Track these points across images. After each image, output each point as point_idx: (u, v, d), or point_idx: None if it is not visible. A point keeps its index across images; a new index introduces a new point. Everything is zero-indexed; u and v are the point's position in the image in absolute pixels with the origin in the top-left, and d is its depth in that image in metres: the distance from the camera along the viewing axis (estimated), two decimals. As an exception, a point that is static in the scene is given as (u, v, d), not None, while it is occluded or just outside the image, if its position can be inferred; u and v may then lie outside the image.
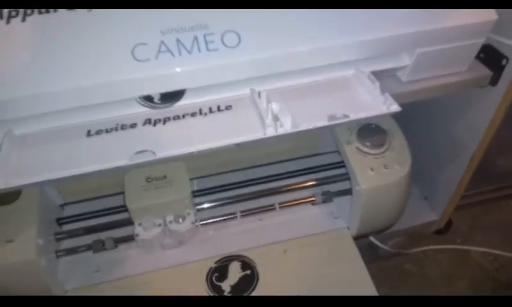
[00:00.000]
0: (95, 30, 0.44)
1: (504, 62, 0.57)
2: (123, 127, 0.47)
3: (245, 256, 0.63)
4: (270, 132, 0.45)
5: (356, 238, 0.66)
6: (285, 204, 0.68)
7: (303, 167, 0.74)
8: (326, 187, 0.70)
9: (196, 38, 0.44)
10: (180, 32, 0.44)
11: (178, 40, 0.44)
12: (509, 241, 0.94)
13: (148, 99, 0.48)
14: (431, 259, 0.91)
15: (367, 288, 0.60)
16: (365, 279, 0.61)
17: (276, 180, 0.72)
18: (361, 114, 0.47)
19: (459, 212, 0.86)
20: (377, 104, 0.48)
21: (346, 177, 0.64)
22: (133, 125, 0.47)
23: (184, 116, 0.48)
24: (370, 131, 0.61)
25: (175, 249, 0.65)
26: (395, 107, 0.46)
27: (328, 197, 0.69)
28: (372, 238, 0.75)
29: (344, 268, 0.62)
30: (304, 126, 0.45)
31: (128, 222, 0.63)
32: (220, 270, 0.62)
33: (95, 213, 0.68)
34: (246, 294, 0.59)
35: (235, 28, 0.45)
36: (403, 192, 0.62)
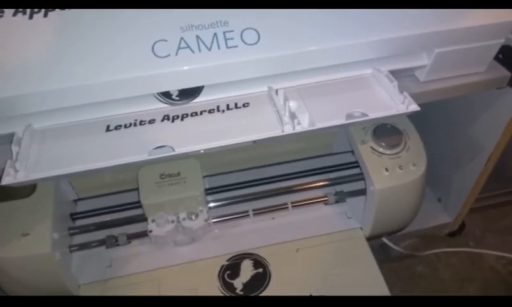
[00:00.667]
0: (117, 27, 0.44)
1: (522, 63, 0.56)
2: (141, 123, 0.47)
3: (257, 255, 0.63)
4: (287, 129, 0.44)
5: (369, 239, 0.66)
6: (298, 203, 0.68)
7: (317, 166, 0.74)
8: (339, 187, 0.70)
9: (215, 35, 0.45)
10: (199, 29, 0.44)
11: (197, 37, 0.44)
12: (522, 245, 0.93)
13: (167, 95, 0.48)
14: (444, 262, 0.90)
15: (379, 288, 0.60)
16: (378, 280, 0.60)
17: (289, 179, 0.72)
18: (380, 113, 0.46)
19: (473, 215, 0.85)
20: (395, 103, 0.48)
21: (360, 177, 0.64)
22: (151, 121, 0.47)
23: (201, 113, 0.48)
24: (385, 131, 0.61)
25: (188, 246, 0.65)
26: (414, 107, 0.46)
27: (341, 198, 0.69)
28: (384, 239, 0.74)
29: (357, 269, 0.62)
30: (321, 125, 0.45)
31: (142, 218, 0.64)
32: (232, 267, 0.62)
33: (108, 208, 0.68)
34: (257, 292, 0.59)
35: (254, 26, 0.45)
36: (418, 194, 0.61)
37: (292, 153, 0.76)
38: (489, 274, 0.88)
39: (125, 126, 0.47)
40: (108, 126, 0.47)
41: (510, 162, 0.78)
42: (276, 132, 0.45)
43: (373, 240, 0.70)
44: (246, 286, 0.60)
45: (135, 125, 0.47)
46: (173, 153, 0.42)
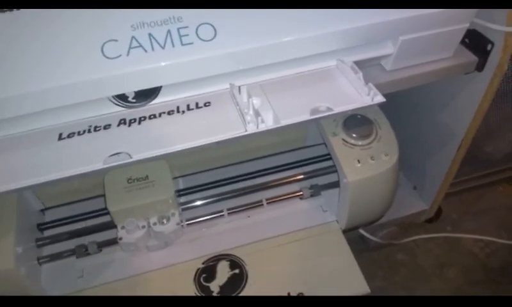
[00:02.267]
0: (62, 28, 0.41)
1: (489, 47, 0.56)
2: (96, 129, 0.45)
3: (233, 255, 0.62)
4: (251, 128, 0.43)
5: (346, 231, 0.65)
6: (273, 199, 0.67)
7: (290, 161, 0.73)
8: (314, 181, 0.69)
9: (169, 32, 0.42)
10: (152, 26, 0.42)
11: (150, 35, 0.42)
12: (499, 227, 0.94)
13: (122, 98, 0.46)
14: (422, 249, 0.90)
15: (357, 282, 0.59)
16: (356, 274, 0.60)
17: (263, 175, 0.71)
18: (345, 107, 0.45)
19: (449, 199, 0.85)
20: (361, 95, 0.47)
21: (334, 170, 0.63)
22: (107, 126, 0.45)
23: (160, 115, 0.46)
24: (356, 122, 0.60)
25: (161, 251, 0.63)
26: (379, 98, 0.45)
27: (315, 191, 0.68)
28: (362, 231, 0.74)
29: (334, 263, 0.61)
30: (286, 122, 0.43)
31: (112, 225, 0.62)
32: (208, 270, 0.61)
33: (77, 217, 0.66)
34: (235, 294, 0.58)
35: (210, 20, 0.43)
36: (391, 183, 0.61)
37: (266, 148, 0.75)
38: (468, 258, 0.89)
39: (79, 134, 0.44)
40: (60, 135, 0.44)
41: (483, 146, 0.79)
42: (239, 132, 0.43)
43: (350, 231, 0.69)
44: (222, 288, 0.59)
45: (89, 131, 0.44)
46: (130, 161, 0.40)
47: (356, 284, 0.59)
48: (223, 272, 0.60)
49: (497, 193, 0.99)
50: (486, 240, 0.90)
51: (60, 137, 0.44)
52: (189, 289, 0.58)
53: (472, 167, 0.83)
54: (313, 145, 0.75)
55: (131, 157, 0.41)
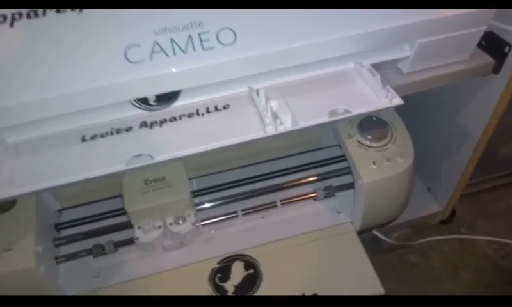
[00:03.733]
0: (86, 33, 0.42)
1: (506, 49, 0.55)
2: (118, 131, 0.45)
3: (248, 255, 0.62)
4: (270, 130, 0.43)
5: (360, 233, 0.65)
6: (287, 201, 0.67)
7: (305, 162, 0.73)
8: (328, 182, 0.69)
9: (190, 37, 0.43)
10: (173, 31, 0.43)
11: (172, 40, 0.43)
12: (512, 229, 0.93)
13: (144, 101, 0.47)
14: (436, 250, 0.90)
15: (372, 283, 0.59)
16: (370, 275, 0.60)
17: (277, 176, 0.71)
18: (363, 109, 0.45)
19: (463, 201, 0.85)
20: (379, 98, 0.47)
21: (348, 171, 0.63)
22: (129, 129, 0.46)
23: (180, 117, 0.47)
24: (371, 124, 0.60)
25: (177, 251, 0.64)
26: (397, 100, 0.45)
27: (330, 192, 0.68)
28: (375, 232, 0.74)
29: (349, 264, 0.61)
30: (304, 124, 0.44)
31: (128, 225, 0.62)
32: (223, 270, 0.61)
33: (93, 217, 0.67)
34: (249, 294, 0.58)
35: (230, 25, 0.44)
36: (406, 185, 0.61)
37: (280, 150, 0.75)
38: (482, 260, 0.89)
39: (101, 136, 0.45)
40: (83, 137, 0.45)
41: (499, 147, 0.78)
42: (258, 134, 0.43)
43: (364, 233, 0.69)
44: (237, 288, 0.59)
45: (111, 133, 0.45)
46: (152, 162, 0.41)
47: (370, 285, 0.59)
48: (238, 272, 0.60)
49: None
50: (501, 242, 0.89)
51: (83, 139, 0.45)
52: (204, 289, 0.59)
53: (486, 169, 0.82)
54: (328, 147, 0.75)
55: (153, 159, 0.41)
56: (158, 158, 0.41)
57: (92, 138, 0.45)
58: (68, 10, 0.41)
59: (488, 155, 0.72)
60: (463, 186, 0.76)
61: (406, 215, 0.74)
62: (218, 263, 0.62)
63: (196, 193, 0.68)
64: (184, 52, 0.42)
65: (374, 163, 0.57)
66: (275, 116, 0.45)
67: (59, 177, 0.42)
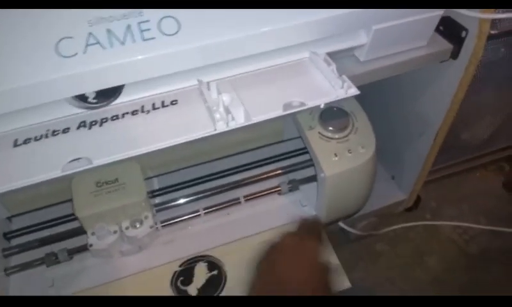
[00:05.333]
0: (11, 25, 0.38)
1: (463, 34, 0.55)
2: (54, 133, 0.42)
3: (211, 256, 0.61)
4: (220, 126, 0.41)
5: (325, 226, 0.64)
6: (251, 196, 0.66)
7: (268, 156, 0.71)
8: (292, 175, 0.68)
9: (129, 27, 0.39)
10: (110, 21, 0.39)
11: (108, 31, 0.39)
12: (477, 213, 0.95)
13: (82, 98, 0.43)
14: (402, 238, 0.91)
15: (337, 276, 0.58)
16: (335, 267, 0.59)
17: (239, 171, 0.69)
18: (318, 101, 0.43)
19: (427, 187, 0.86)
20: (334, 88, 0.45)
21: (312, 163, 0.62)
22: (66, 130, 0.42)
23: (123, 115, 0.43)
24: (332, 114, 0.59)
25: (136, 255, 0.61)
26: (353, 91, 0.43)
27: (294, 186, 0.67)
28: (341, 224, 0.73)
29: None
30: (257, 118, 0.41)
31: (82, 230, 0.59)
32: (185, 273, 0.59)
33: (45, 223, 0.64)
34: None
35: (173, 13, 0.40)
36: (369, 175, 0.60)
37: (242, 144, 0.73)
38: (447, 245, 0.90)
39: (36, 139, 0.41)
40: (16, 141, 0.41)
41: (459, 133, 0.79)
42: (207, 132, 0.40)
43: (330, 225, 0.68)
44: (201, 290, 0.57)
45: (46, 136, 0.41)
46: (90, 166, 0.37)
47: (336, 279, 0.58)
48: (201, 274, 0.59)
49: (475, 179, 1.00)
50: (465, 227, 0.91)
51: (15, 144, 0.41)
52: (166, 293, 0.56)
53: (449, 155, 0.83)
54: (291, 139, 0.74)
55: (91, 163, 0.38)
56: (96, 162, 0.38)
57: (25, 142, 0.41)
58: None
59: (450, 141, 0.72)
60: (427, 173, 0.76)
61: (371, 204, 0.74)
62: (180, 266, 0.60)
63: (154, 193, 0.65)
64: (122, 43, 0.39)
65: (336, 155, 0.56)
66: (227, 111, 0.42)
67: (-12, 186, 0.37)
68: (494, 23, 0.54)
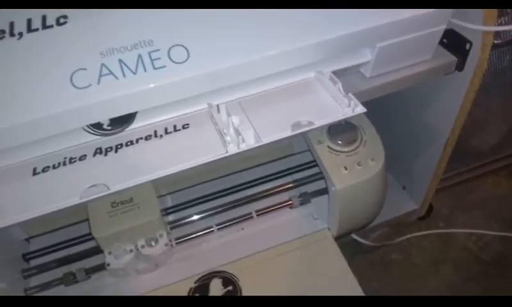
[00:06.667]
0: (28, 61, 0.40)
1: (467, 46, 0.55)
2: (71, 160, 0.43)
3: (225, 272, 0.61)
4: (232, 149, 0.42)
5: (338, 238, 0.64)
6: (262, 211, 0.66)
7: (278, 169, 0.72)
8: (303, 188, 0.68)
9: (140, 57, 0.41)
10: (121, 52, 0.41)
11: (120, 61, 0.40)
12: (490, 219, 0.94)
13: (97, 126, 0.44)
14: (416, 247, 0.90)
15: (352, 288, 0.58)
16: (350, 281, 0.59)
17: (250, 186, 0.70)
18: (326, 120, 0.44)
19: (439, 195, 0.85)
20: (341, 107, 0.46)
21: (322, 176, 0.62)
22: (82, 157, 0.43)
23: (137, 141, 0.45)
24: (340, 128, 0.59)
25: (152, 273, 0.62)
26: (359, 109, 0.44)
27: (305, 199, 0.67)
28: (354, 236, 0.73)
29: (328, 273, 0.60)
30: (267, 140, 0.42)
31: (99, 250, 0.60)
32: (201, 289, 0.59)
33: (63, 243, 0.65)
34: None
35: (182, 42, 0.42)
36: (380, 187, 0.60)
37: (253, 158, 0.74)
38: (462, 253, 0.89)
39: (54, 167, 0.43)
40: (35, 169, 0.43)
41: (469, 140, 0.79)
42: (219, 154, 0.42)
43: (343, 238, 0.68)
44: (216, 306, 0.57)
45: (64, 164, 0.43)
46: (108, 192, 0.39)
47: (351, 293, 0.58)
48: (216, 290, 0.59)
49: (486, 185, 0.99)
50: (478, 234, 0.90)
51: (34, 172, 0.43)
52: (182, 310, 0.57)
53: (460, 162, 0.83)
54: (301, 152, 0.74)
55: (109, 189, 0.39)
56: (114, 188, 0.39)
57: (44, 170, 0.43)
58: (7, 36, 0.39)
59: (460, 148, 0.72)
60: (437, 182, 0.76)
61: (383, 215, 0.73)
62: (195, 282, 0.60)
63: (168, 210, 0.66)
64: (134, 73, 0.40)
65: (346, 168, 0.57)
66: (237, 133, 0.43)
67: (9, 215, 0.39)
68: (497, 33, 0.55)
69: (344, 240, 0.63)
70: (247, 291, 0.58)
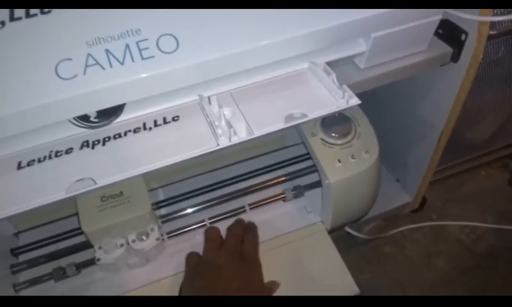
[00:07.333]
0: (10, 50, 0.38)
1: (463, 37, 0.54)
2: (57, 154, 0.42)
3: (218, 266, 0.60)
4: (223, 142, 0.41)
5: (332, 231, 0.64)
6: (255, 204, 0.66)
7: (271, 162, 0.71)
8: (296, 182, 0.68)
9: (127, 46, 0.39)
10: (108, 41, 0.39)
11: (107, 51, 0.39)
12: (483, 211, 0.94)
13: (84, 118, 0.43)
14: (409, 239, 0.90)
15: (346, 282, 0.58)
16: (344, 274, 0.59)
17: (243, 180, 0.69)
18: (319, 112, 0.43)
19: (433, 187, 0.85)
20: (335, 99, 0.45)
21: (316, 169, 0.62)
22: (69, 150, 0.42)
23: (125, 134, 0.43)
24: (334, 120, 0.59)
25: (143, 267, 0.61)
26: (354, 101, 0.43)
27: (298, 192, 0.66)
28: (347, 229, 0.73)
29: (322, 266, 0.60)
30: (260, 132, 0.41)
31: (89, 244, 0.59)
32: (193, 284, 0.58)
33: (53, 238, 0.64)
34: None
35: (171, 31, 0.40)
36: (374, 180, 0.60)
37: (245, 151, 0.73)
38: (455, 245, 0.90)
39: (39, 161, 0.41)
40: (20, 163, 0.41)
41: (463, 133, 0.78)
42: (210, 147, 0.41)
43: (337, 231, 0.68)
44: (209, 301, 0.57)
45: (50, 157, 0.42)
46: (95, 187, 0.38)
47: (345, 286, 0.58)
48: (208, 285, 0.58)
49: (480, 178, 1.00)
50: (472, 226, 0.90)
51: (19, 166, 0.41)
52: (174, 305, 0.57)
53: (453, 154, 0.82)
54: (294, 145, 0.74)
55: (96, 183, 0.38)
56: (101, 183, 0.38)
57: (29, 164, 0.41)
58: (-13, 26, 0.37)
59: (454, 140, 0.72)
60: (431, 174, 0.76)
61: (377, 208, 0.73)
62: (187, 277, 0.59)
63: (159, 204, 0.66)
64: (121, 63, 0.39)
65: (340, 161, 0.56)
66: (229, 125, 0.42)
67: (-6, 210, 0.38)
68: (493, 23, 0.54)
69: (337, 233, 0.63)
70: (240, 285, 0.58)
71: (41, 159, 0.41)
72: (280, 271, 0.60)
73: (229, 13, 0.42)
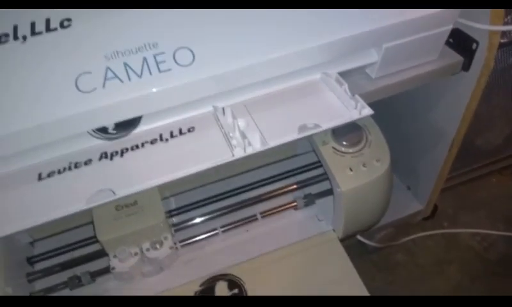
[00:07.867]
0: (32, 64, 0.39)
1: (474, 46, 0.55)
2: (76, 165, 0.43)
3: (231, 274, 0.61)
4: (238, 153, 0.41)
5: (343, 240, 0.64)
6: (267, 213, 0.66)
7: (282, 171, 0.72)
8: (308, 190, 0.68)
9: (145, 60, 0.41)
10: (126, 55, 0.40)
11: (125, 64, 0.40)
12: (495, 218, 0.93)
13: (102, 130, 0.44)
14: (421, 247, 0.90)
15: (357, 289, 0.58)
16: (356, 283, 0.59)
17: (255, 188, 0.70)
18: (332, 123, 0.44)
19: (444, 195, 0.85)
20: (348, 109, 0.46)
21: (327, 177, 0.62)
22: (88, 162, 0.43)
23: (143, 145, 0.44)
24: (345, 129, 0.58)
25: (157, 276, 0.62)
26: (366, 111, 0.44)
27: (309, 201, 0.67)
28: (359, 237, 0.73)
29: (333, 274, 0.60)
30: (274, 143, 0.42)
31: (104, 253, 0.60)
32: (206, 292, 0.59)
33: (68, 247, 0.65)
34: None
35: (187, 44, 0.41)
36: (385, 188, 0.60)
37: (256, 160, 0.73)
38: (466, 253, 0.89)
39: (59, 172, 0.42)
40: (40, 175, 0.42)
41: (474, 140, 0.78)
42: (226, 158, 0.41)
43: (348, 239, 0.68)
44: (222, 310, 0.57)
45: (69, 168, 0.43)
46: (114, 198, 0.38)
47: (356, 293, 0.58)
48: (222, 293, 0.59)
49: (491, 185, 0.99)
50: (483, 233, 0.90)
51: (40, 177, 0.42)
52: (187, 313, 0.57)
53: (464, 162, 0.82)
54: (305, 153, 0.74)
55: (115, 194, 0.39)
56: (120, 193, 0.39)
57: (49, 175, 0.42)
58: (10, 39, 0.39)
59: (465, 148, 0.72)
60: (442, 182, 0.76)
61: (388, 216, 0.73)
62: (201, 286, 0.60)
63: (172, 213, 0.66)
64: (139, 76, 0.40)
65: (351, 169, 0.56)
66: (243, 136, 0.43)
67: (15, 222, 0.39)
68: (503, 32, 0.54)
69: (348, 241, 0.63)
70: (253, 293, 0.58)
71: (61, 170, 0.42)
72: (292, 279, 0.60)
73: (243, 25, 0.43)
